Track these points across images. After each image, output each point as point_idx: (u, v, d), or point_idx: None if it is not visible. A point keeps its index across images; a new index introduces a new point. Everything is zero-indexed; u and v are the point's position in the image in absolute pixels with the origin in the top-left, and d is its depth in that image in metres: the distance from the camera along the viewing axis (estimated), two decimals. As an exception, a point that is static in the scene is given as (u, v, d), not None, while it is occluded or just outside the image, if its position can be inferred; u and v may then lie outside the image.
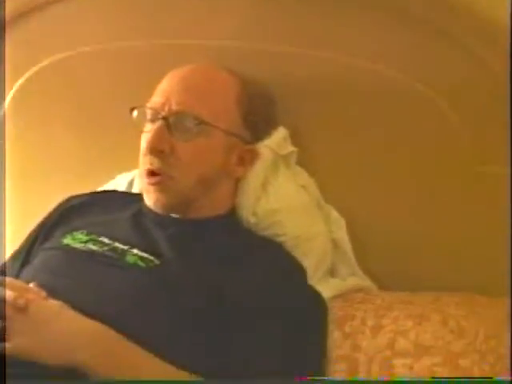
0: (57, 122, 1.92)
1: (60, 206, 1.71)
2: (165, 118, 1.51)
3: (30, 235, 1.69)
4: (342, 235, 1.74)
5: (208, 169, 1.54)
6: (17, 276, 1.57)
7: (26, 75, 1.88)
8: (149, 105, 1.55)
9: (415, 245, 1.72)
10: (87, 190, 1.80)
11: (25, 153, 1.96)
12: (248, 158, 1.59)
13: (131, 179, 1.81)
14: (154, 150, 1.51)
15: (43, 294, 1.37)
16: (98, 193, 1.77)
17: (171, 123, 1.51)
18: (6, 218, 2.00)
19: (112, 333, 1.33)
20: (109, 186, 1.83)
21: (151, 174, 1.53)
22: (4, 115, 1.94)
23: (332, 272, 1.74)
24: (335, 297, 1.66)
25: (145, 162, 1.54)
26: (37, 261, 1.56)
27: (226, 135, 1.54)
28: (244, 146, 1.58)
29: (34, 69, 1.87)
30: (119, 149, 1.81)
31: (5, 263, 1.68)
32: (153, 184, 1.53)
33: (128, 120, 1.58)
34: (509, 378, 1.34)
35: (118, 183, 1.82)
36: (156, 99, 1.55)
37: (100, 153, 1.89)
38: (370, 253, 1.75)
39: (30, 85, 1.89)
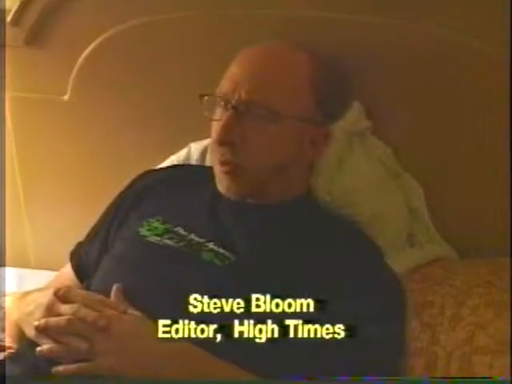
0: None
1: (134, 183, 1.69)
2: (234, 108, 1.47)
3: (106, 215, 1.68)
4: (420, 203, 1.71)
5: (280, 156, 1.50)
6: (97, 263, 1.59)
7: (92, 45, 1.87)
8: (218, 91, 1.50)
9: (493, 210, 1.68)
10: (164, 157, 1.81)
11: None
12: (321, 141, 1.54)
13: (204, 149, 1.78)
14: (225, 141, 1.47)
15: (122, 306, 1.38)
16: (170, 168, 1.75)
17: (241, 112, 1.46)
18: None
19: (193, 347, 1.32)
20: (182, 154, 1.81)
21: (222, 163, 1.50)
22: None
23: (410, 239, 1.72)
24: (414, 271, 1.64)
25: (216, 150, 1.51)
26: (115, 252, 1.56)
27: (297, 121, 1.49)
28: (317, 128, 1.52)
29: (100, 38, 1.85)
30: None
31: (80, 245, 1.69)
32: (224, 173, 1.50)
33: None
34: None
35: (191, 152, 1.80)
36: (226, 85, 1.49)
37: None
38: (448, 219, 1.72)
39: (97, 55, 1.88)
